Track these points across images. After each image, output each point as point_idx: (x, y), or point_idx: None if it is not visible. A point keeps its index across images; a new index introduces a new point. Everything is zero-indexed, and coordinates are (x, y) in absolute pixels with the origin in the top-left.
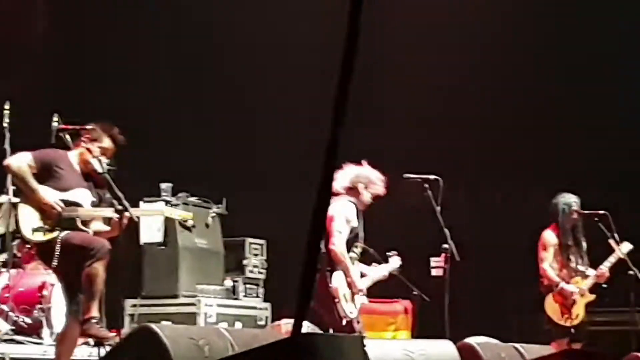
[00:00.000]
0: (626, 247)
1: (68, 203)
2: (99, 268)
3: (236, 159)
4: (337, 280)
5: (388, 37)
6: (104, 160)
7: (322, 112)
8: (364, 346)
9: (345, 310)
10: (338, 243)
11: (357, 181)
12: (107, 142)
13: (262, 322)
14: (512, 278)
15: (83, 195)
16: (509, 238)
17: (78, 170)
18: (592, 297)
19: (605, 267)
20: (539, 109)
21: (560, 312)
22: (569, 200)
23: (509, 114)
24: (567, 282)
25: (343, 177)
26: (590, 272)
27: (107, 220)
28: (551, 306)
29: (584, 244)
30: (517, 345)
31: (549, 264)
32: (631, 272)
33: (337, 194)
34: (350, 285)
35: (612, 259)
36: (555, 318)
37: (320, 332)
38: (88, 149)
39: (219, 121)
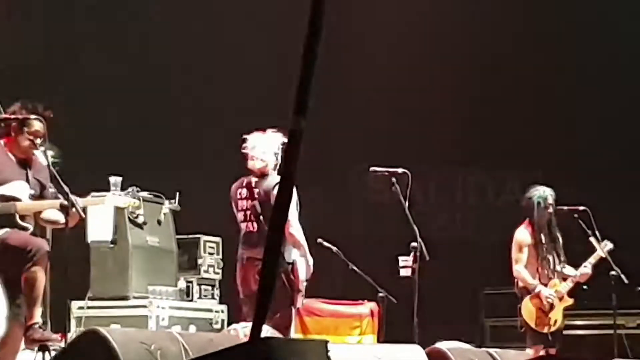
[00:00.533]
0: (607, 245)
1: (4, 198)
2: (37, 272)
3: (190, 150)
4: (300, 269)
5: (355, 23)
6: (49, 152)
7: (282, 100)
8: (328, 351)
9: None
10: (297, 226)
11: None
12: (37, 125)
13: (218, 326)
14: (486, 278)
15: (21, 188)
16: (483, 234)
17: (13, 159)
18: (570, 301)
19: (586, 268)
20: (517, 97)
21: (536, 317)
22: (544, 193)
23: (483, 101)
24: (544, 285)
25: (267, 149)
26: (569, 271)
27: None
28: (528, 310)
29: (560, 241)
30: (492, 350)
31: (523, 265)
32: (613, 273)
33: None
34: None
35: (592, 259)
36: (532, 323)
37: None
38: (18, 138)
39: (172, 110)
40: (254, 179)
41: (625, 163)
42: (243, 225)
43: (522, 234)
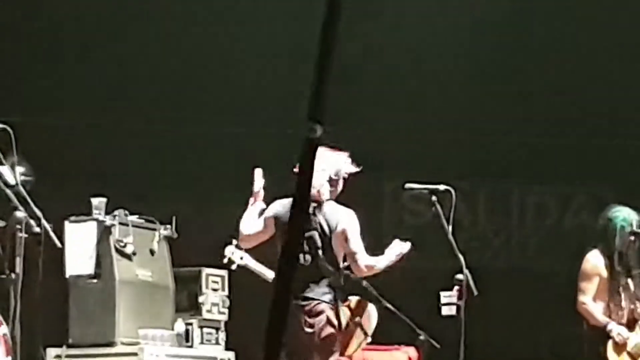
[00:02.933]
0: None
1: None
2: None
3: (188, 167)
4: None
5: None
6: (18, 169)
7: (291, 112)
8: None
9: None
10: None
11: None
12: None
13: None
14: (548, 315)
15: None
16: (544, 263)
17: None
18: None
19: None
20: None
21: None
22: (629, 217)
23: (542, 101)
24: (620, 324)
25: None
26: None
27: None
28: (613, 356)
29: (638, 274)
30: None
31: (590, 298)
32: None
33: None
34: None
35: None
36: None
37: None
38: None
39: (166, 121)
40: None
41: None
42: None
43: (595, 260)
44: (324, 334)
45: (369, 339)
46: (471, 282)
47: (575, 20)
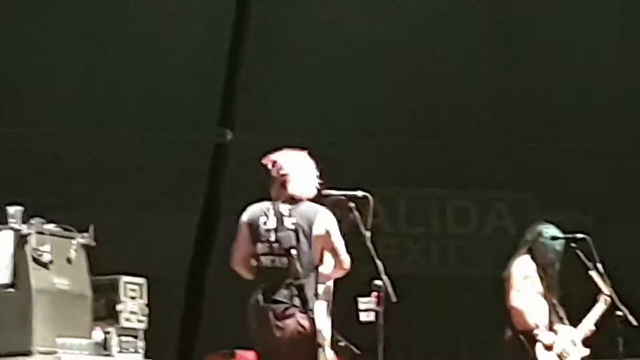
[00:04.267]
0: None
1: None
2: None
3: (105, 173)
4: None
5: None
6: None
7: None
8: None
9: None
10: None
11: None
12: None
13: None
14: (470, 323)
15: None
16: (464, 269)
17: None
18: (586, 351)
19: (593, 322)
20: (502, 107)
21: None
22: (556, 234)
23: (462, 110)
24: (549, 329)
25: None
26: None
27: None
28: (545, 358)
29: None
30: None
31: (522, 299)
32: (619, 313)
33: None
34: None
35: (600, 308)
36: None
37: None
38: None
39: (85, 125)
40: (287, 206)
41: (628, 184)
42: (266, 260)
43: (527, 263)
44: (294, 338)
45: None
46: (389, 288)
47: (491, 26)
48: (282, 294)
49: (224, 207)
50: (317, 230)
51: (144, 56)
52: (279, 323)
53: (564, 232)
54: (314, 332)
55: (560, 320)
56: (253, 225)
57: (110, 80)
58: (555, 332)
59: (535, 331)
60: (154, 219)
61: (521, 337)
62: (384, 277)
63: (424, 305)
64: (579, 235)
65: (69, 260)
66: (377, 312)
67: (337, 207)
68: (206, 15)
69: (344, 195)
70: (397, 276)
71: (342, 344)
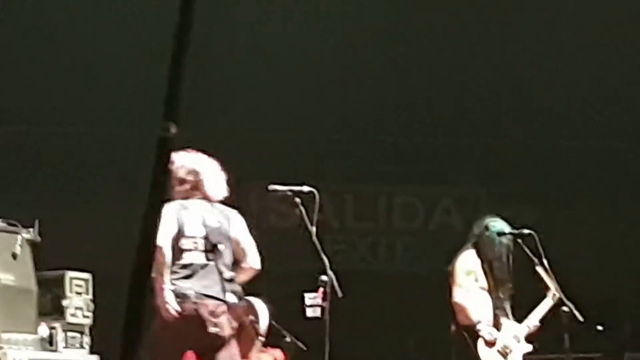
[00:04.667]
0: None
1: None
2: None
3: (50, 168)
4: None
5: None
6: None
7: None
8: None
9: None
10: None
11: None
12: None
13: None
14: (417, 319)
15: None
16: (410, 265)
17: None
18: (529, 347)
19: (538, 318)
20: (447, 100)
21: None
22: (504, 230)
23: (408, 105)
24: (494, 324)
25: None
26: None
27: None
28: (486, 354)
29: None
30: None
31: (465, 295)
32: (565, 309)
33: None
34: None
35: (546, 304)
36: None
37: None
38: None
39: (29, 121)
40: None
41: (572, 181)
42: (193, 256)
43: (471, 259)
44: (226, 334)
45: (263, 339)
46: (335, 284)
47: (434, 21)
48: (214, 290)
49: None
50: (233, 231)
51: (88, 51)
52: (213, 319)
53: (512, 226)
54: (247, 326)
55: (506, 315)
56: (178, 222)
57: (54, 76)
58: (499, 327)
59: (478, 327)
60: (99, 214)
61: (464, 332)
62: (330, 272)
63: (370, 301)
64: (525, 231)
65: (14, 256)
66: (323, 308)
67: (283, 203)
68: (150, 8)
69: (290, 190)
70: (344, 272)
71: (288, 339)
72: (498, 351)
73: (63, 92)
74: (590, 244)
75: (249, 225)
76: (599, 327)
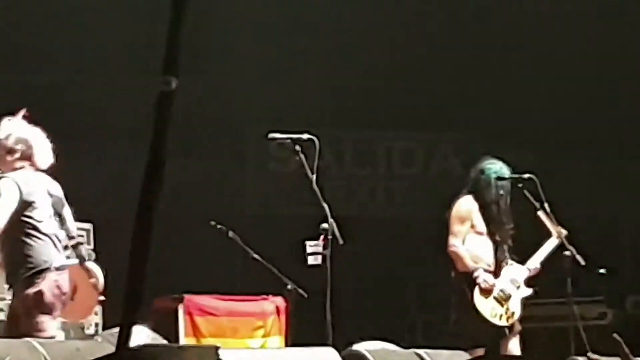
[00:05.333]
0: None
1: None
2: None
3: (49, 118)
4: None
5: None
6: None
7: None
8: (219, 359)
9: None
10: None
11: None
12: None
13: (91, 331)
14: (417, 264)
15: None
16: (412, 211)
17: None
18: (529, 291)
19: (539, 260)
20: (447, 42)
21: (490, 309)
22: (501, 170)
23: (407, 49)
24: (492, 273)
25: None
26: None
27: None
28: (482, 302)
29: (510, 227)
30: (421, 351)
31: (461, 241)
32: (567, 253)
33: None
34: None
35: (549, 246)
36: (488, 315)
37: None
38: None
39: (21, 67)
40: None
41: (572, 123)
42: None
43: (469, 205)
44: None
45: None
46: (336, 231)
47: None
48: (75, 255)
49: (170, 151)
50: (64, 199)
51: (91, 2)
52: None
53: (511, 169)
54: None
55: (506, 259)
56: (23, 193)
57: (56, 25)
58: (500, 271)
59: (475, 274)
60: (101, 164)
61: (463, 280)
62: (331, 219)
63: (370, 248)
64: (526, 175)
65: None
66: (324, 255)
67: (283, 150)
68: None
69: (290, 138)
70: (344, 218)
71: (289, 287)
72: (494, 298)
73: (65, 42)
74: (590, 187)
75: (250, 173)
76: (601, 271)
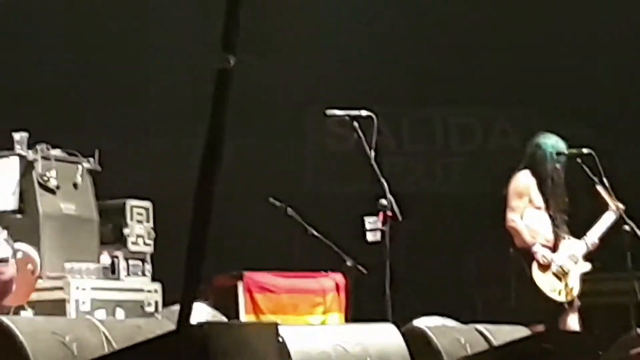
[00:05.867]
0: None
1: None
2: None
3: (109, 98)
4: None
5: None
6: None
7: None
8: (278, 336)
9: None
10: None
11: None
12: None
13: (152, 308)
14: (475, 240)
15: None
16: (470, 187)
17: None
18: (588, 266)
19: (597, 235)
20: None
21: (549, 284)
22: (557, 144)
23: (464, 23)
24: (549, 248)
25: None
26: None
27: None
28: (540, 277)
29: (566, 203)
30: (481, 327)
31: (519, 216)
32: (626, 227)
33: None
34: None
35: (607, 221)
36: (547, 291)
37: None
38: None
39: (85, 52)
40: None
41: (632, 98)
42: None
43: (527, 179)
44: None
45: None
46: (395, 208)
47: None
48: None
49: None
50: None
51: None
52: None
53: (567, 144)
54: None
55: (564, 233)
56: None
57: (111, 9)
58: (558, 246)
59: (533, 249)
60: (160, 143)
61: (521, 255)
62: (389, 196)
63: (429, 224)
64: (585, 150)
65: (75, 186)
66: (383, 232)
67: (341, 127)
68: None
69: (348, 115)
70: (402, 195)
71: (348, 263)
72: (553, 273)
73: (123, 24)
74: None
75: (308, 151)
76: None
